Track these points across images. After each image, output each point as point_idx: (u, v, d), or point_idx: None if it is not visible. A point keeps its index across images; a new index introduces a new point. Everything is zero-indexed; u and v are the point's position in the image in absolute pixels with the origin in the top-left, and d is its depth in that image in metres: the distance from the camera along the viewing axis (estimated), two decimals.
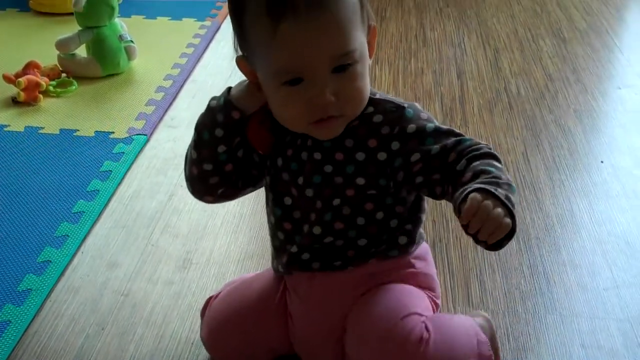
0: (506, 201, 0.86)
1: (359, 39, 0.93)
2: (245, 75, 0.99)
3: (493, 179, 0.89)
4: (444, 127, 0.99)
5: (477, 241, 0.88)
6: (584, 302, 1.26)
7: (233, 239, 1.40)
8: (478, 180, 0.89)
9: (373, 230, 1.02)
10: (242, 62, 0.98)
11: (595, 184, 1.61)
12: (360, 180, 0.98)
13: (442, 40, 2.33)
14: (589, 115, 1.90)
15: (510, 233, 0.86)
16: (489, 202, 0.85)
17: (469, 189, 0.87)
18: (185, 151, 1.06)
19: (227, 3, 0.97)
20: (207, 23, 2.39)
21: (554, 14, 2.61)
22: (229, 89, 1.01)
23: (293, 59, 0.90)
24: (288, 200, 1.03)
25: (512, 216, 0.86)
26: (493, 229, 0.85)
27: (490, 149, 0.95)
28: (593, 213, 1.51)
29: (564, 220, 1.48)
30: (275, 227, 1.06)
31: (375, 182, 0.99)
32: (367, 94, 0.97)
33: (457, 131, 0.98)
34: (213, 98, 1.02)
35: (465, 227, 0.87)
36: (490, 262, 1.34)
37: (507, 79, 2.09)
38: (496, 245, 0.88)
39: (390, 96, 1.02)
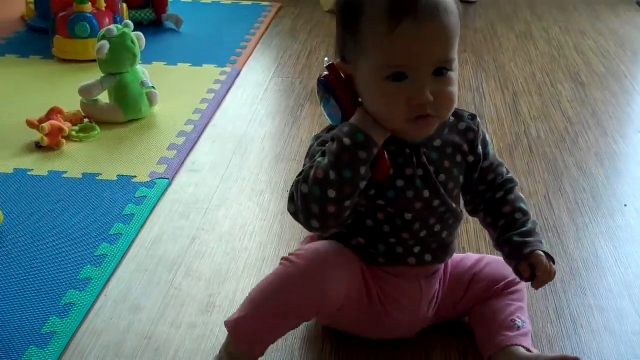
0: (550, 254, 1.14)
1: (456, 52, 1.06)
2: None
3: (531, 224, 1.16)
4: None
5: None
6: (613, 346, 1.24)
7: (256, 282, 1.38)
8: (520, 224, 1.16)
9: (456, 227, 1.19)
10: (340, 66, 1.08)
11: (620, 227, 1.60)
12: (462, 179, 1.17)
13: (461, 85, 2.35)
14: (610, 158, 1.90)
15: None
16: (551, 266, 1.13)
17: (530, 249, 1.13)
18: (300, 193, 1.06)
19: (339, 12, 1.09)
20: (227, 69, 2.42)
21: (571, 58, 2.63)
22: (351, 125, 1.05)
23: (404, 55, 1.01)
24: (408, 216, 1.12)
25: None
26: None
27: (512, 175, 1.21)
28: (618, 256, 1.49)
29: (589, 263, 1.47)
30: (389, 236, 1.13)
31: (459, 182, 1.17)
32: (456, 101, 1.08)
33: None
34: (336, 137, 1.05)
35: (529, 280, 1.14)
36: None
37: (527, 123, 2.10)
38: None
39: None
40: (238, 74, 2.40)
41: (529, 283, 1.15)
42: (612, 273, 1.44)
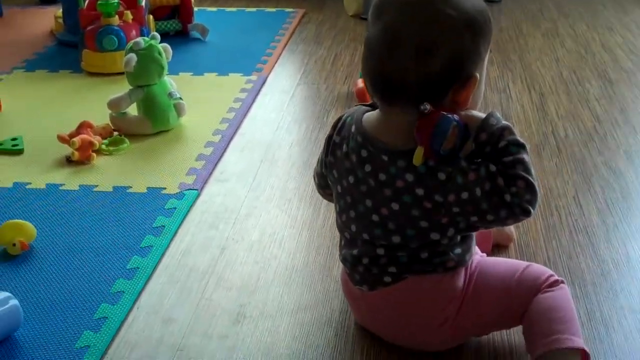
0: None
1: None
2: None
3: None
4: None
5: None
6: None
7: (286, 291, 1.40)
8: None
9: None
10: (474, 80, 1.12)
11: None
12: None
13: (487, 86, 2.34)
14: None
15: None
16: None
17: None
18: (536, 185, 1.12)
19: (482, 31, 1.12)
20: (254, 77, 2.43)
21: (598, 55, 2.61)
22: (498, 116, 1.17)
23: None
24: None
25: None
26: None
27: None
28: None
29: (620, 264, 1.46)
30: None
31: None
32: None
33: None
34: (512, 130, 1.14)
35: None
36: None
37: (554, 123, 2.08)
38: None
39: None
40: (264, 82, 2.42)
41: None
42: None
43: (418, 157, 1.09)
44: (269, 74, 2.48)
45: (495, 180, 1.09)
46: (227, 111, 2.18)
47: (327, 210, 1.66)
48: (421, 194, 1.12)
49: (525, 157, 1.12)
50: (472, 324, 1.21)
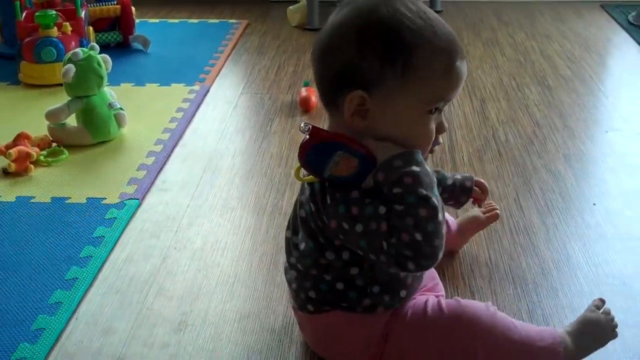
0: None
1: None
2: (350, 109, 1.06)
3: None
4: None
5: None
6: None
7: (228, 299, 1.39)
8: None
9: None
10: (363, 99, 1.04)
11: (589, 226, 1.61)
12: None
13: None
14: (579, 160, 1.92)
15: None
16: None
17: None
18: (422, 238, 1.01)
19: (374, 43, 1.04)
20: (196, 87, 2.42)
21: (537, 63, 2.66)
22: (411, 152, 1.06)
23: (453, 90, 1.08)
24: None
25: None
26: None
27: None
28: (589, 255, 1.50)
29: (560, 263, 1.48)
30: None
31: None
32: None
33: None
34: (420, 162, 1.06)
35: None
36: None
37: (495, 127, 2.11)
38: None
39: None
40: (207, 92, 2.40)
41: None
42: (582, 272, 1.45)
43: (295, 172, 1.10)
44: (212, 84, 2.47)
45: (379, 224, 1.02)
46: (169, 121, 2.16)
47: (270, 219, 1.65)
48: (313, 210, 1.09)
49: (422, 211, 1.00)
50: None
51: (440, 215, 1.02)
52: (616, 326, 1.19)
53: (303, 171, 1.09)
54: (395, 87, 1.04)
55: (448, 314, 1.14)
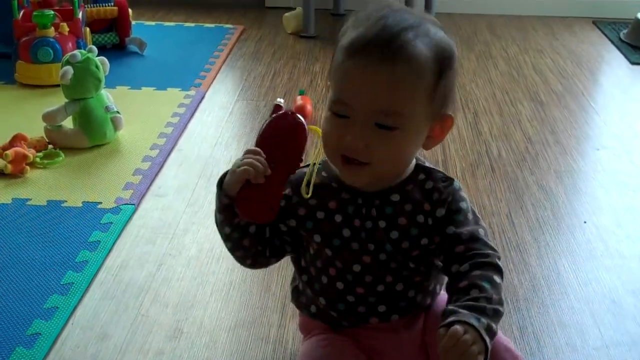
0: (485, 334, 0.91)
1: (415, 110, 1.00)
2: None
3: (482, 302, 0.95)
4: (474, 213, 1.08)
5: None
6: None
7: (224, 307, 1.40)
8: (468, 298, 0.96)
9: (419, 279, 1.10)
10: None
11: (580, 243, 1.63)
12: (424, 241, 1.07)
13: None
14: (570, 176, 1.94)
15: None
16: (467, 338, 0.90)
17: (452, 318, 0.93)
18: None
19: None
20: (192, 92, 2.43)
21: (530, 78, 2.68)
22: (226, 173, 1.09)
23: (345, 90, 0.99)
24: (357, 267, 1.08)
25: (486, 350, 0.91)
26: None
27: (498, 258, 1.02)
28: (579, 273, 1.53)
29: (551, 280, 1.50)
30: (345, 292, 1.10)
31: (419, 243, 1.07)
32: (404, 163, 1.06)
33: (482, 223, 1.06)
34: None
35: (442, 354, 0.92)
36: None
37: (488, 142, 2.14)
38: None
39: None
40: (202, 97, 2.41)
41: None
42: (572, 289, 1.47)
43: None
44: (207, 89, 2.48)
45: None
46: (165, 125, 2.16)
47: None
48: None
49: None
50: None
51: None
52: None
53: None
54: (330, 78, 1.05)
55: None
